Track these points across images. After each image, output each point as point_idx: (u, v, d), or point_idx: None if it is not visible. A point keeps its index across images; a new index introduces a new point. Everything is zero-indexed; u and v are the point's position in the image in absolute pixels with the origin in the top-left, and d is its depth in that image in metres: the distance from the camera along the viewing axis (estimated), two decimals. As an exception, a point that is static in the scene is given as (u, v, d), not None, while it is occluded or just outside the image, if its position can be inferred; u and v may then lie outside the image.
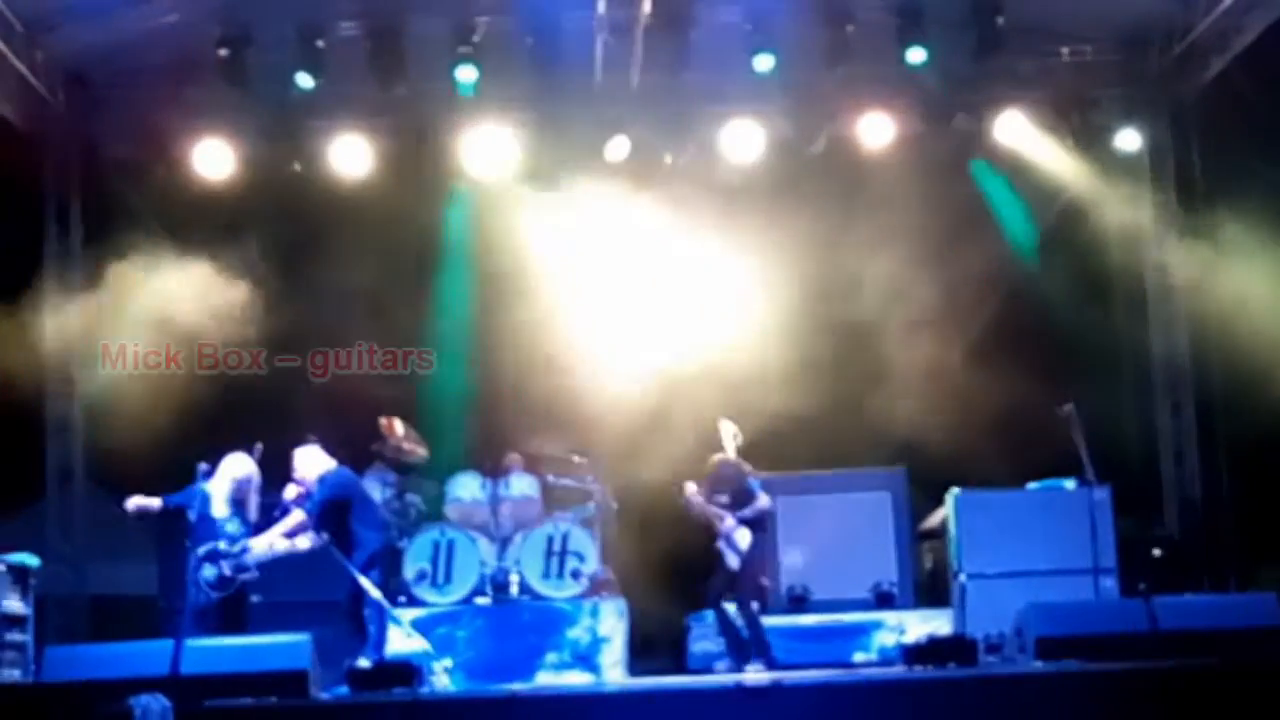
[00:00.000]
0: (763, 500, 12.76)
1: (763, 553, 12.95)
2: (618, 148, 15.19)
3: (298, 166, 15.25)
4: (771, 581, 13.78)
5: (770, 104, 15.17)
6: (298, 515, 11.75)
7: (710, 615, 13.05)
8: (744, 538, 12.58)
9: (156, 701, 9.64)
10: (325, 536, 11.67)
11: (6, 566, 12.43)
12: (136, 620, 13.47)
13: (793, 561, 14.18)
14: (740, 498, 12.71)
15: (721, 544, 12.61)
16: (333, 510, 11.83)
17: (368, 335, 15.44)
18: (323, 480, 11.92)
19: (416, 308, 15.76)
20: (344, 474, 12.17)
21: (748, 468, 12.91)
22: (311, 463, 12.02)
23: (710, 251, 15.02)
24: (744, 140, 15.25)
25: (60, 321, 15.10)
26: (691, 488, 12.77)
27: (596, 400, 14.49)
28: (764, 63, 14.46)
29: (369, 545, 11.84)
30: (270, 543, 11.64)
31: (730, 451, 13.12)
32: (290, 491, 11.92)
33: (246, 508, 11.74)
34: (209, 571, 11.39)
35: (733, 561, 12.60)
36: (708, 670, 12.99)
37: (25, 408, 14.88)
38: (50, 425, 15.03)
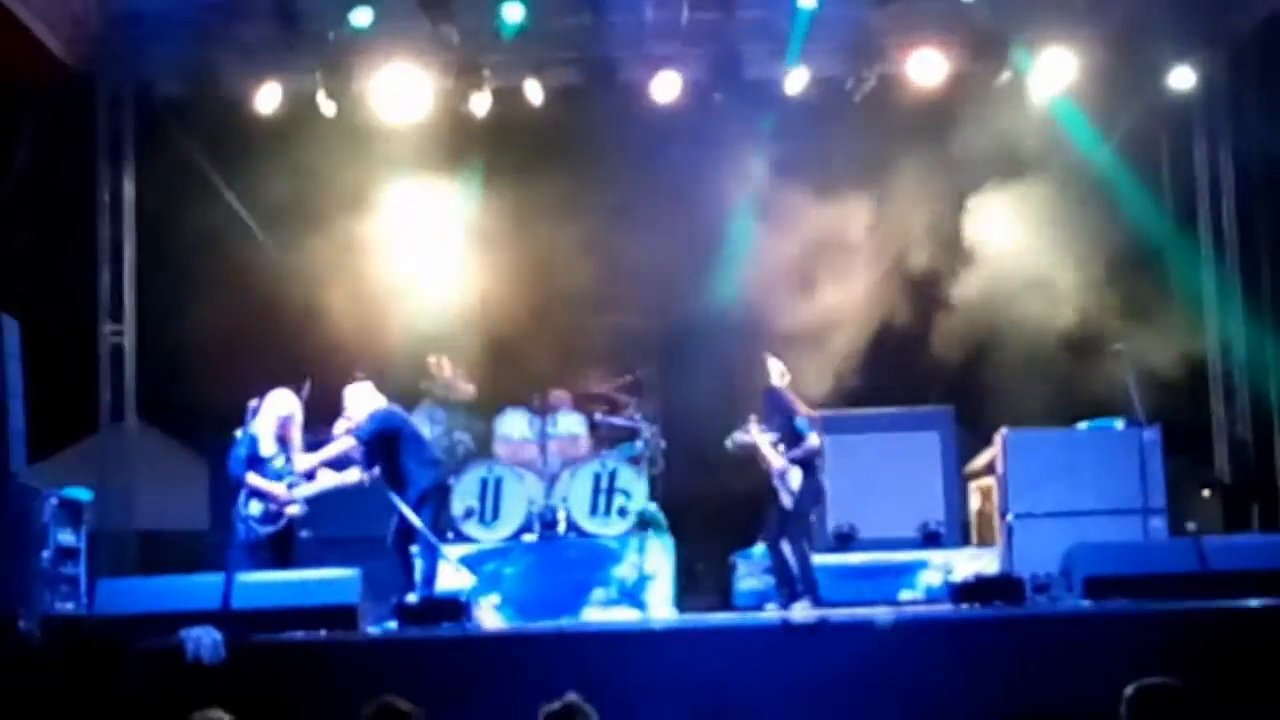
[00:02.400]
0: (812, 440, 12.71)
1: (817, 492, 12.93)
2: (667, 85, 15.10)
3: (345, 105, 15.19)
4: (819, 519, 13.80)
5: (817, 42, 15.04)
6: (348, 441, 11.80)
7: (759, 552, 13.08)
8: (795, 477, 12.57)
9: (208, 634, 9.74)
10: (375, 471, 11.73)
11: (60, 500, 12.55)
12: (184, 555, 13.60)
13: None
14: (789, 435, 12.68)
15: (776, 483, 12.59)
16: (382, 446, 11.87)
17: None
18: (372, 416, 11.97)
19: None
20: (393, 411, 12.22)
21: (801, 406, 12.85)
22: (362, 400, 12.06)
23: (756, 187, 14.96)
24: (794, 78, 15.15)
25: (112, 259, 15.20)
26: (755, 420, 12.73)
27: (645, 337, 14.48)
28: (808, 1, 14.38)
29: (419, 482, 11.89)
30: (316, 470, 11.67)
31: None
32: (339, 427, 11.96)
33: (290, 445, 11.78)
34: (256, 508, 11.44)
35: (786, 501, 12.59)
36: (754, 608, 13.01)
37: (78, 344, 15.00)
38: (102, 361, 15.11)
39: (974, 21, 14.90)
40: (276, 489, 11.43)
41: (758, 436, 12.67)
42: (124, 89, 15.37)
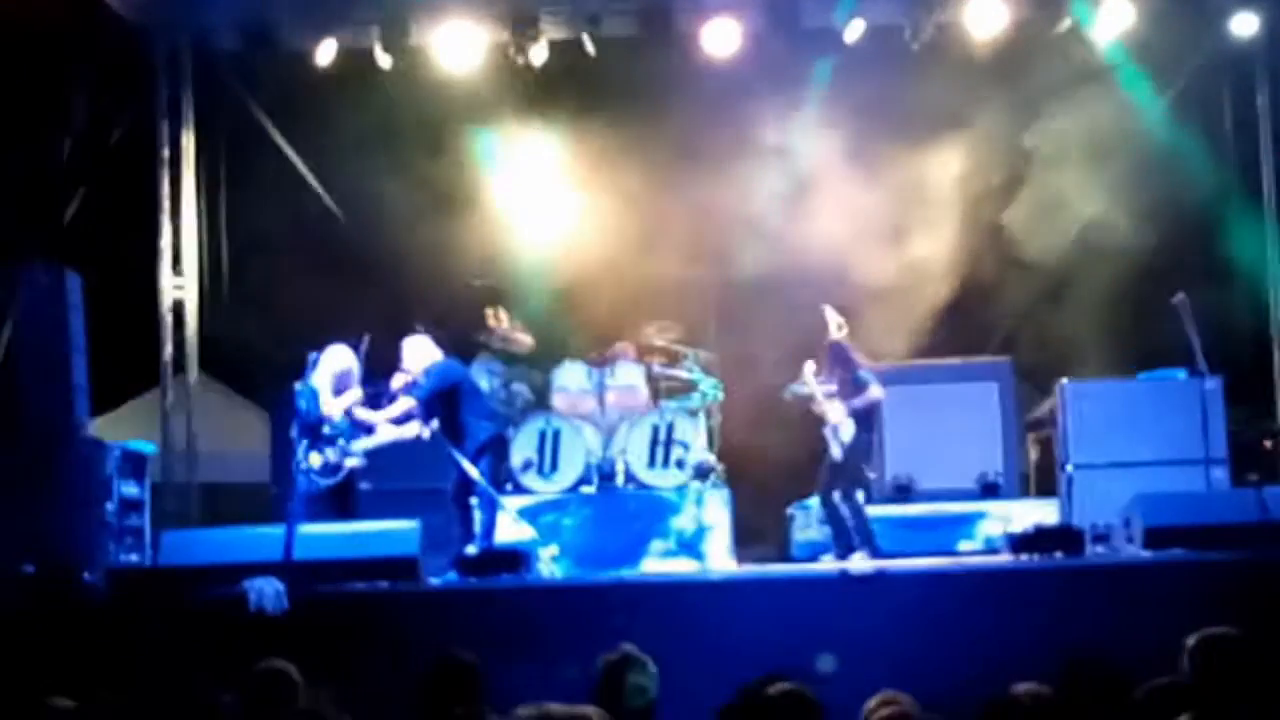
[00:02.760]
0: (874, 392, 12.66)
1: (868, 445, 12.89)
2: (724, 34, 15.02)
3: (402, 58, 15.19)
4: (877, 471, 13.78)
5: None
6: (407, 402, 11.86)
7: (814, 504, 13.08)
8: (848, 429, 12.53)
9: (270, 584, 9.83)
10: (434, 425, 11.77)
11: (123, 453, 12.68)
12: (246, 507, 13.72)
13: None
14: (849, 387, 12.64)
15: (828, 433, 12.57)
16: (440, 399, 11.92)
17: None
18: (429, 371, 12.01)
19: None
20: (451, 364, 12.26)
21: (860, 357, 12.81)
22: (419, 353, 12.09)
23: (808, 139, 14.91)
24: (852, 27, 15.04)
25: (173, 213, 15.29)
26: (811, 368, 12.70)
27: (704, 288, 14.47)
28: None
29: (478, 435, 11.94)
30: (375, 424, 11.74)
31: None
32: (397, 381, 12.01)
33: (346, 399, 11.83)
34: (316, 459, 11.51)
35: (836, 452, 12.57)
36: (811, 559, 13.02)
37: (140, 298, 15.11)
38: (163, 315, 15.22)
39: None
40: (313, 459, 11.48)
41: (814, 387, 12.64)
42: (181, 43, 15.40)
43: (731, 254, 15.17)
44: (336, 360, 11.71)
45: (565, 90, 15.41)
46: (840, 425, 12.53)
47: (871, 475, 13.28)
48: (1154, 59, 15.08)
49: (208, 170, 15.56)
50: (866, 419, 12.68)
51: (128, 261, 15.05)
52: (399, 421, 11.84)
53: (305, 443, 11.45)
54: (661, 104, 14.97)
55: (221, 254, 15.62)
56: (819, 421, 12.63)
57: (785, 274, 14.77)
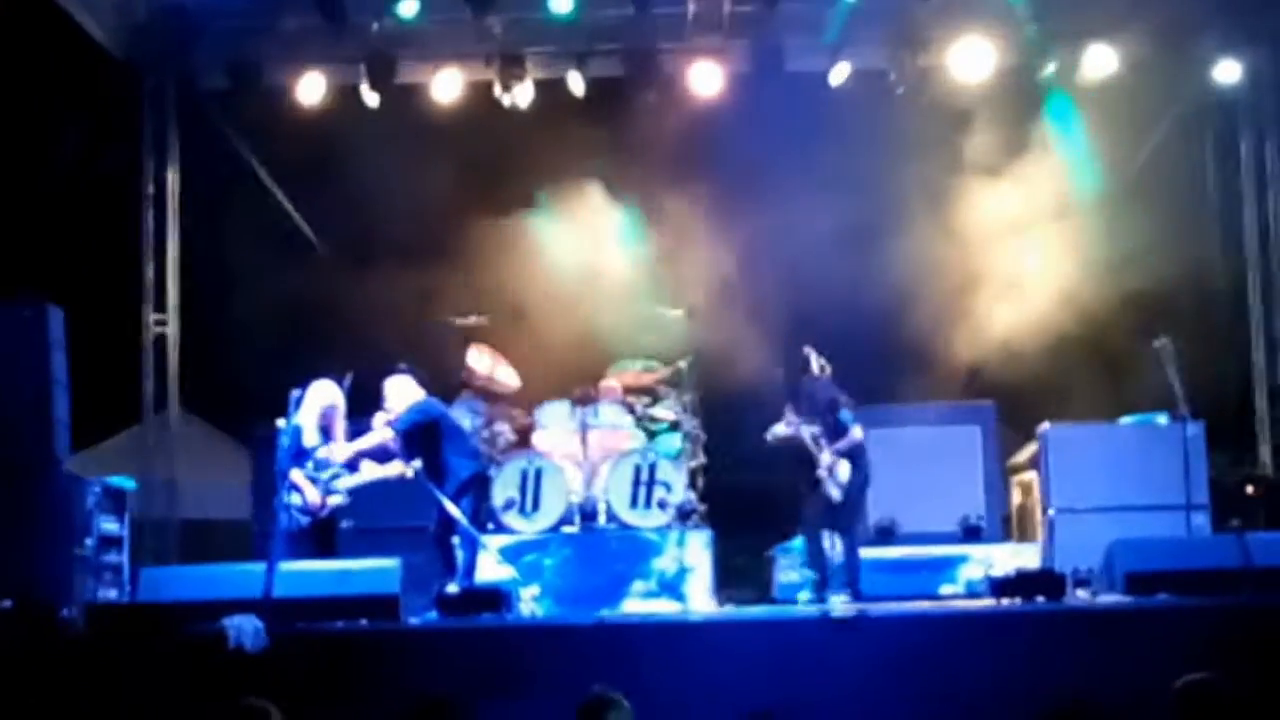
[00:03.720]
0: (856, 432, 12.69)
1: (863, 484, 12.90)
2: (707, 77, 15.12)
3: (388, 98, 15.23)
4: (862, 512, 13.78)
5: (859, 33, 15.01)
6: (384, 433, 11.83)
7: (798, 546, 13.06)
8: (844, 470, 12.54)
9: (249, 622, 9.77)
10: (417, 464, 11.75)
11: (104, 489, 12.63)
12: (226, 544, 13.67)
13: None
14: (833, 429, 12.66)
15: (823, 474, 12.56)
16: (421, 437, 11.89)
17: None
18: (410, 408, 11.99)
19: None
20: (431, 402, 12.24)
21: (843, 398, 12.83)
22: (402, 393, 12.07)
23: (792, 180, 14.97)
24: (837, 71, 15.14)
25: (156, 249, 15.28)
26: (790, 411, 12.72)
27: (687, 330, 14.49)
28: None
29: (460, 473, 11.91)
30: (356, 459, 11.70)
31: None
32: (379, 420, 11.99)
33: (333, 435, 11.80)
34: (297, 498, 11.47)
35: (835, 494, 12.56)
36: (793, 601, 12.99)
37: (122, 334, 15.08)
38: (146, 351, 15.19)
39: (1016, 16, 14.83)
40: (312, 493, 11.46)
41: (800, 430, 12.65)
42: (168, 81, 15.45)
43: (714, 293, 15.19)
44: (322, 396, 11.68)
45: (549, 131, 15.43)
46: (835, 466, 12.54)
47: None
48: (1138, 106, 15.16)
49: (192, 206, 15.56)
50: (856, 458, 12.69)
51: (110, 297, 15.04)
52: (381, 459, 11.81)
53: (288, 480, 11.40)
54: (646, 143, 15.04)
55: (204, 290, 15.59)
56: (806, 462, 12.62)
57: (768, 314, 14.80)
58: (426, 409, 12.06)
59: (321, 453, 11.59)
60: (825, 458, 12.54)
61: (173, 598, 10.52)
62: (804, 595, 12.59)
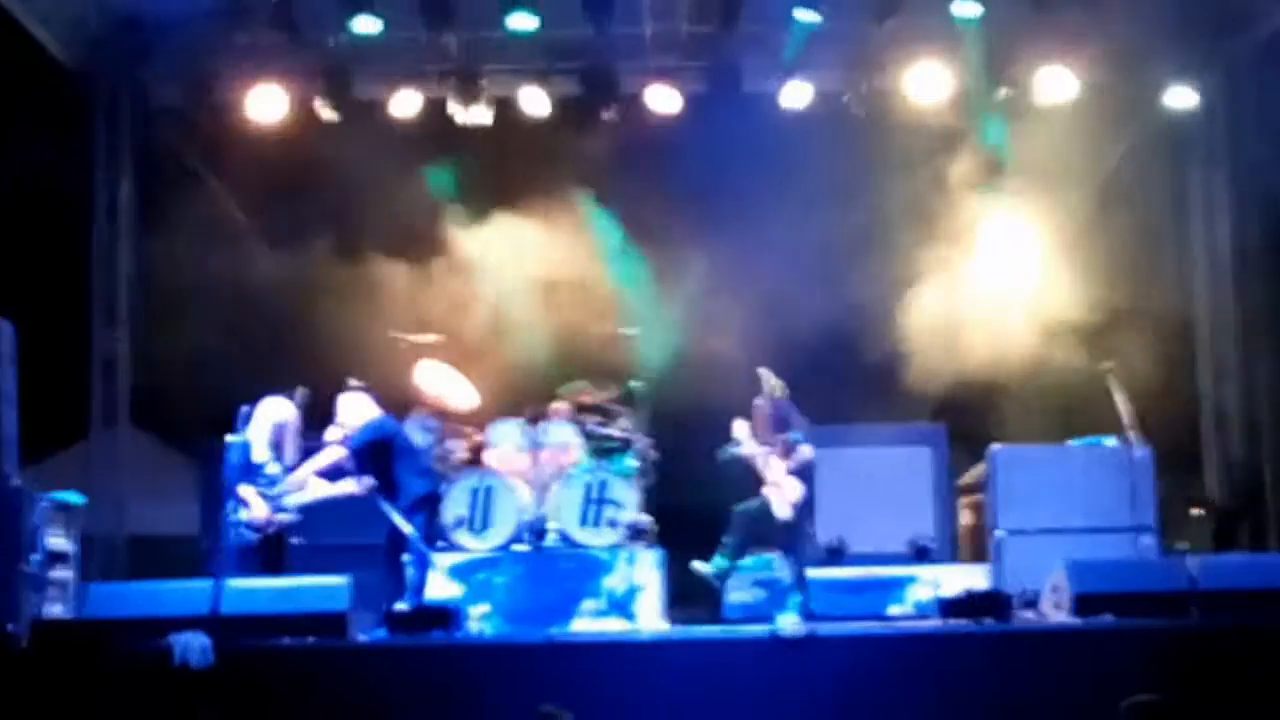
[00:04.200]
0: (805, 452, 12.72)
1: (811, 505, 12.94)
2: (663, 98, 15.18)
3: (342, 113, 15.22)
4: (810, 533, 13.82)
5: (817, 57, 15.08)
6: (337, 451, 11.80)
7: (748, 565, 13.10)
8: (794, 489, 12.58)
9: (196, 639, 9.73)
10: (370, 482, 11.71)
11: (51, 504, 12.53)
12: (174, 560, 13.59)
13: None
14: (785, 448, 12.70)
15: (771, 492, 12.59)
16: (374, 455, 11.87)
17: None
18: (364, 425, 11.97)
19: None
20: (385, 419, 12.22)
21: (796, 418, 12.87)
22: (356, 408, 12.05)
23: (751, 200, 15.02)
24: (792, 93, 15.22)
25: (107, 263, 15.21)
26: (743, 428, 12.75)
27: (641, 349, 14.50)
28: (807, 15, 14.44)
29: (412, 491, 11.89)
30: (308, 480, 11.67)
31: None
32: (331, 434, 11.97)
33: (284, 452, 11.76)
34: (245, 513, 11.42)
35: (784, 512, 12.59)
36: (743, 621, 12.99)
37: (71, 348, 14.99)
38: (96, 365, 15.11)
39: (972, 40, 14.92)
40: (259, 509, 11.42)
41: (752, 448, 12.68)
42: (121, 93, 15.39)
43: (667, 312, 15.23)
44: (274, 412, 11.66)
45: (501, 148, 15.43)
46: (784, 485, 12.57)
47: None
48: (1091, 132, 15.26)
49: (144, 220, 15.49)
50: (805, 478, 12.73)
51: (61, 311, 14.94)
52: (333, 477, 11.77)
53: (235, 495, 11.36)
54: (606, 165, 15.10)
55: (156, 305, 15.51)
56: (758, 481, 12.65)
57: (720, 333, 14.85)
58: (380, 427, 12.03)
59: (271, 469, 11.55)
60: (775, 476, 12.57)
61: (120, 614, 10.47)
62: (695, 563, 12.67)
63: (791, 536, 12.65)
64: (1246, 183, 15.33)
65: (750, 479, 12.71)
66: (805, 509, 12.72)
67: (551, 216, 15.40)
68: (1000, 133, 15.36)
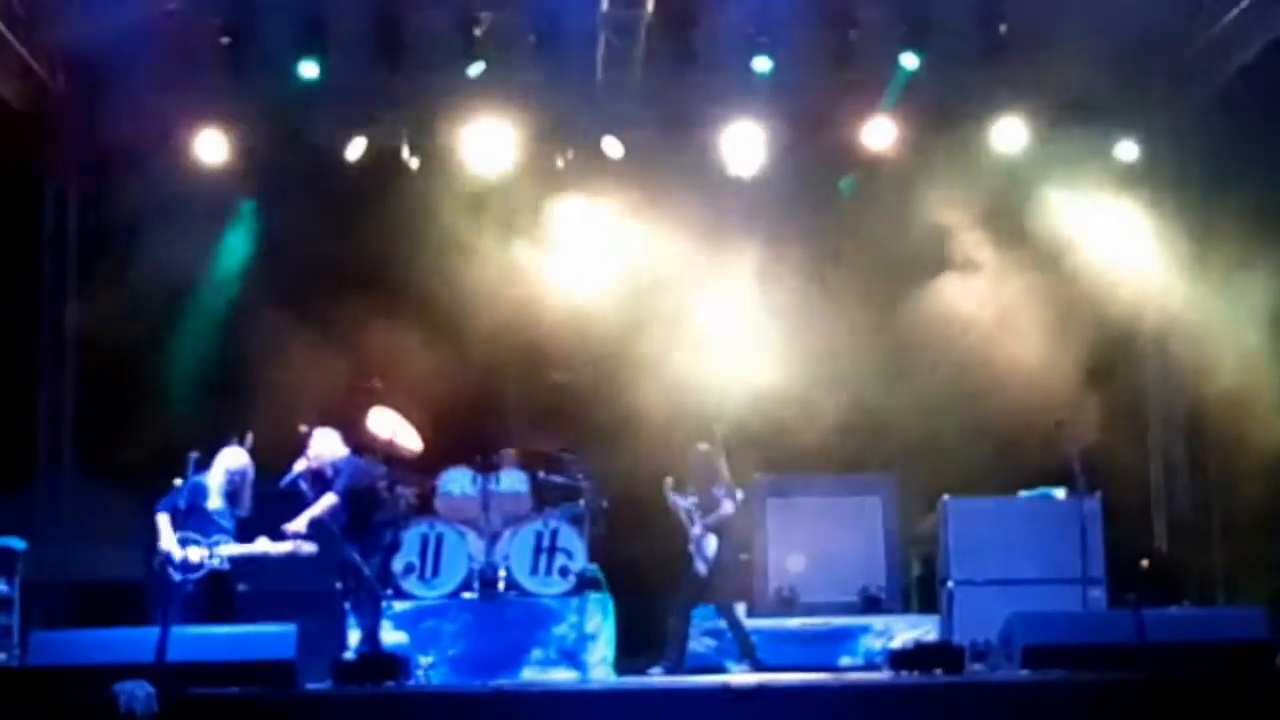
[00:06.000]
0: (726, 508, 12.87)
1: (733, 557, 12.97)
2: (611, 147, 15.25)
3: (295, 155, 15.19)
4: (760, 583, 13.84)
5: (771, 106, 15.13)
6: (330, 499, 11.78)
7: (700, 615, 13.11)
8: (711, 544, 12.71)
9: (141, 688, 9.62)
10: (312, 547, 11.62)
11: (-7, 549, 12.42)
12: (119, 607, 13.43)
13: (792, 566, 14.19)
14: (707, 502, 12.81)
15: (692, 549, 12.73)
16: (352, 498, 11.86)
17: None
18: (342, 467, 11.96)
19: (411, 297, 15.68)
20: (366, 464, 12.25)
21: (722, 473, 12.96)
22: (329, 445, 12.09)
23: (705, 252, 15.06)
24: (745, 142, 15.27)
25: (55, 305, 15.10)
26: (670, 483, 12.88)
27: (589, 398, 14.49)
28: (762, 64, 14.51)
29: (381, 538, 11.94)
30: (303, 526, 11.60)
31: (720, 455, 13.21)
32: (300, 465, 11.93)
33: (240, 500, 11.68)
34: (179, 553, 11.32)
35: (701, 568, 12.70)
36: (696, 671, 12.97)
37: (18, 391, 14.86)
38: (42, 409, 14.98)
39: (925, 90, 15.01)
40: (166, 540, 11.28)
41: (675, 503, 12.82)
42: (70, 133, 15.29)
43: (609, 361, 15.22)
44: (231, 459, 11.64)
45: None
46: (703, 539, 12.68)
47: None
48: (1048, 177, 15.38)
49: (93, 261, 15.38)
50: (722, 533, 12.80)
51: (6, 354, 14.81)
52: (295, 536, 11.65)
53: (175, 536, 11.28)
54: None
55: (103, 347, 15.38)
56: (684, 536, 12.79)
57: (669, 384, 14.86)
58: (365, 471, 12.10)
59: (224, 521, 11.46)
60: (695, 530, 12.70)
61: (64, 662, 10.36)
62: (655, 670, 12.61)
63: (710, 590, 12.78)
64: (1192, 232, 15.43)
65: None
66: (725, 562, 12.77)
67: (502, 262, 15.40)
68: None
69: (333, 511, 11.75)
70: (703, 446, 13.06)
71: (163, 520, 11.31)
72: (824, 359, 15.03)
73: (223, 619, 11.29)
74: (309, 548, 11.54)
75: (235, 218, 15.27)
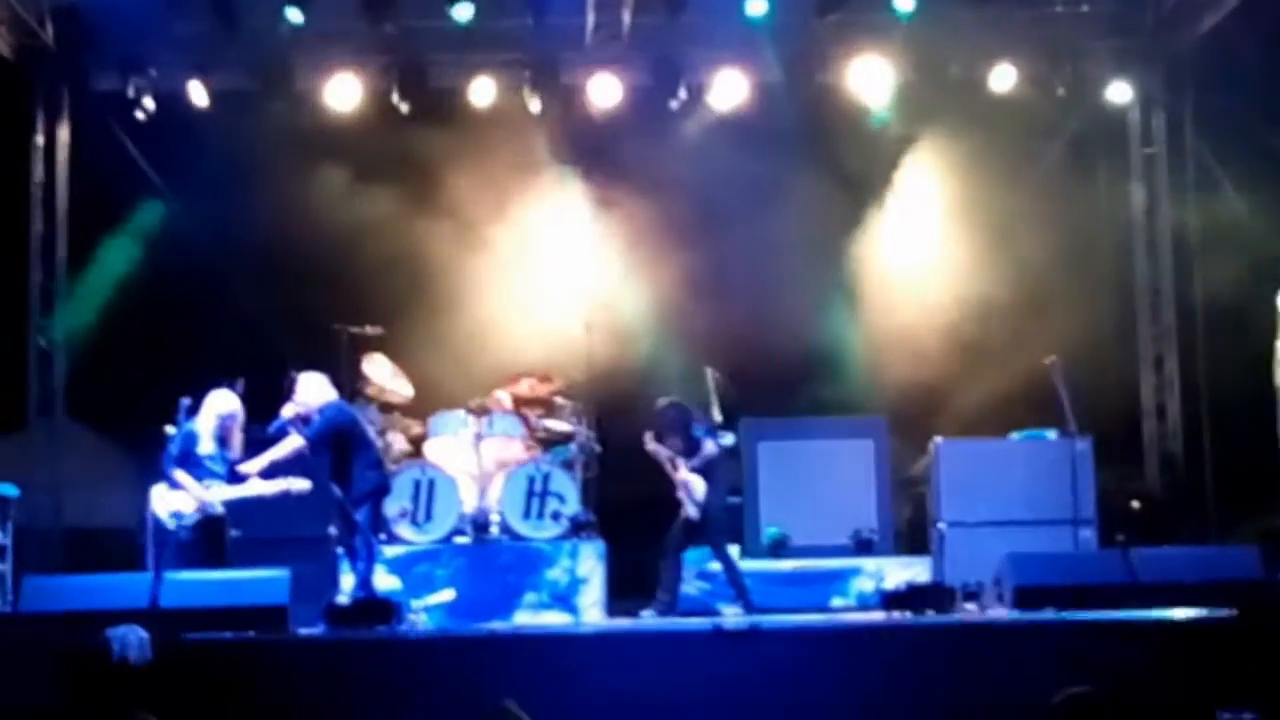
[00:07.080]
0: (708, 448, 12.81)
1: (721, 499, 12.99)
2: (606, 88, 15.17)
3: (284, 102, 15.12)
4: (750, 526, 13.88)
5: (762, 50, 15.07)
6: (294, 441, 11.73)
7: (693, 559, 13.12)
8: (699, 486, 12.65)
9: (134, 633, 9.63)
10: (306, 484, 11.60)
11: (-15, 496, 12.43)
12: (112, 553, 13.47)
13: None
14: (690, 445, 12.79)
15: (681, 493, 12.70)
16: (331, 444, 11.83)
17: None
18: (323, 410, 11.92)
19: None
20: (344, 408, 12.20)
21: (698, 414, 12.96)
22: (315, 389, 12.03)
23: (694, 193, 15.05)
24: (734, 86, 15.22)
25: (43, 254, 15.07)
26: (650, 435, 12.86)
27: (582, 341, 14.47)
28: (756, 7, 14.45)
29: (362, 484, 11.87)
30: (264, 465, 11.57)
31: (714, 399, 13.21)
32: (288, 410, 11.90)
33: (230, 444, 11.67)
34: (174, 502, 11.33)
35: (692, 511, 12.67)
36: (689, 613, 13.00)
37: (8, 339, 14.85)
38: (32, 356, 14.98)
39: (913, 35, 14.95)
40: (196, 489, 11.32)
41: (657, 452, 12.79)
42: (59, 83, 15.23)
43: (609, 306, 15.22)
44: (221, 404, 11.59)
45: (439, 140, 15.36)
46: (690, 484, 12.64)
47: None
48: (1031, 125, 15.34)
49: (81, 211, 15.34)
50: (709, 474, 12.77)
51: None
52: (269, 475, 11.62)
53: (171, 481, 11.28)
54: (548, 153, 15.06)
55: (92, 295, 15.37)
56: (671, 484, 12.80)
57: (664, 326, 14.88)
58: (339, 416, 11.99)
59: (215, 465, 11.46)
60: (680, 476, 12.66)
61: (57, 608, 10.36)
62: (647, 612, 12.60)
63: (704, 533, 12.72)
64: (1184, 176, 15.41)
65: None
66: (715, 504, 12.75)
67: (497, 208, 15.37)
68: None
69: (302, 454, 11.71)
70: (663, 401, 13.01)
71: (183, 476, 11.28)
72: (812, 304, 15.04)
73: (216, 565, 11.32)
74: (301, 485, 11.53)
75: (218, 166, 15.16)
